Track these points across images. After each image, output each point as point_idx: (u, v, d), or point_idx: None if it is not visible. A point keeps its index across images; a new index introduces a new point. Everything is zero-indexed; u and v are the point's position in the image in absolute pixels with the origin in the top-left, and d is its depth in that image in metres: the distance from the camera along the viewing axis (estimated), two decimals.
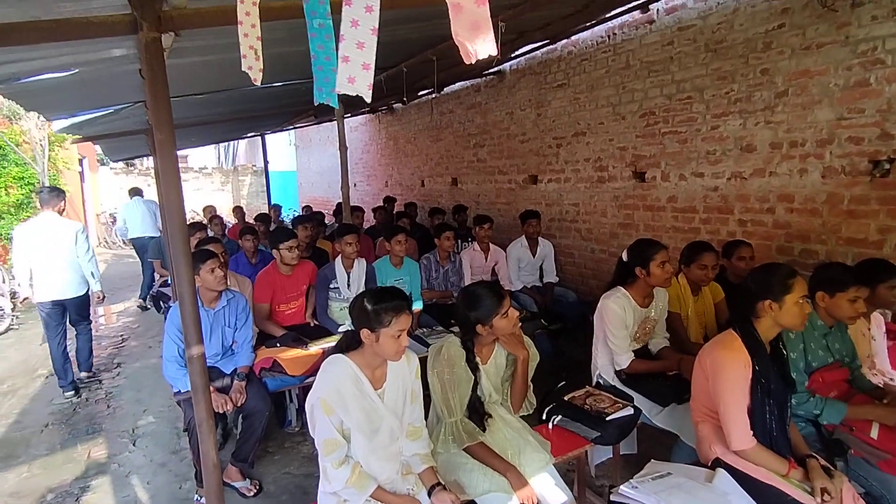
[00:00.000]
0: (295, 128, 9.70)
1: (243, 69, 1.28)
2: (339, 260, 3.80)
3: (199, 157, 21.99)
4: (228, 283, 3.43)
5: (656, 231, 4.19)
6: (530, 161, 5.54)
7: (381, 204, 7.43)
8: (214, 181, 17.52)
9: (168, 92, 1.38)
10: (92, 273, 4.14)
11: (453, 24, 0.92)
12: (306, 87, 4.68)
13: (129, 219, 7.02)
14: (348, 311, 1.86)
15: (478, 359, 2.08)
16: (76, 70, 2.40)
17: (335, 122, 6.52)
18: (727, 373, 1.78)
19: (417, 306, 4.01)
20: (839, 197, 3.08)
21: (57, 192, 4.05)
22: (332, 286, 3.78)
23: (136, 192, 7.42)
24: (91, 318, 4.48)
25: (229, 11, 1.47)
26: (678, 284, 2.84)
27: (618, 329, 2.51)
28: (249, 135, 9.70)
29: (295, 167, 14.99)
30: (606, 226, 4.71)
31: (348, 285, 3.76)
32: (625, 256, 2.56)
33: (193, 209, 12.42)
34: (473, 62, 1.02)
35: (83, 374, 4.53)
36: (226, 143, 21.30)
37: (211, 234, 5.85)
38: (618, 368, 2.60)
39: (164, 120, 1.39)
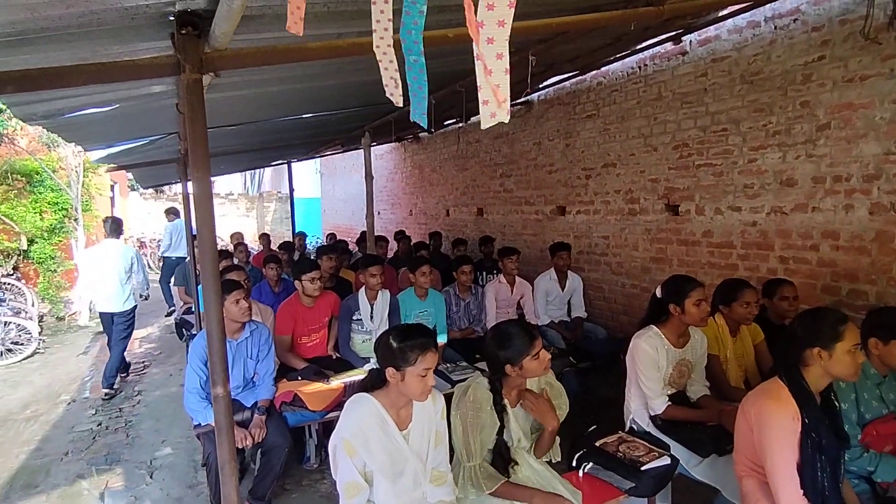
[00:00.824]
0: (321, 156, 9.93)
1: (386, 95, 1.38)
2: (362, 291, 3.84)
3: (225, 183, 22.65)
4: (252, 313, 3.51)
5: (691, 266, 4.11)
6: (558, 192, 5.55)
7: (399, 235, 7.49)
8: (240, 207, 17.97)
9: (206, 130, 1.44)
10: (147, 286, 5.51)
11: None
12: (335, 118, 4.80)
13: (175, 238, 7.49)
14: (374, 349, 1.87)
15: (506, 401, 2.04)
16: (117, 105, 2.53)
17: (361, 151, 6.67)
18: (774, 425, 1.70)
19: (442, 339, 4.03)
20: (889, 235, 2.98)
21: (120, 223, 5.26)
22: (355, 318, 3.81)
23: (174, 212, 7.74)
24: (130, 336, 5.26)
25: (267, 52, 1.54)
26: (715, 325, 2.77)
27: (650, 371, 2.46)
28: (276, 163, 9.96)
29: (319, 194, 15.29)
30: (638, 260, 4.65)
31: (371, 317, 3.79)
32: (658, 292, 2.53)
33: (219, 235, 12.73)
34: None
35: (104, 391, 4.99)
36: (252, 170, 21.96)
37: (236, 261, 5.98)
38: (652, 413, 2.53)
39: (201, 156, 1.45)
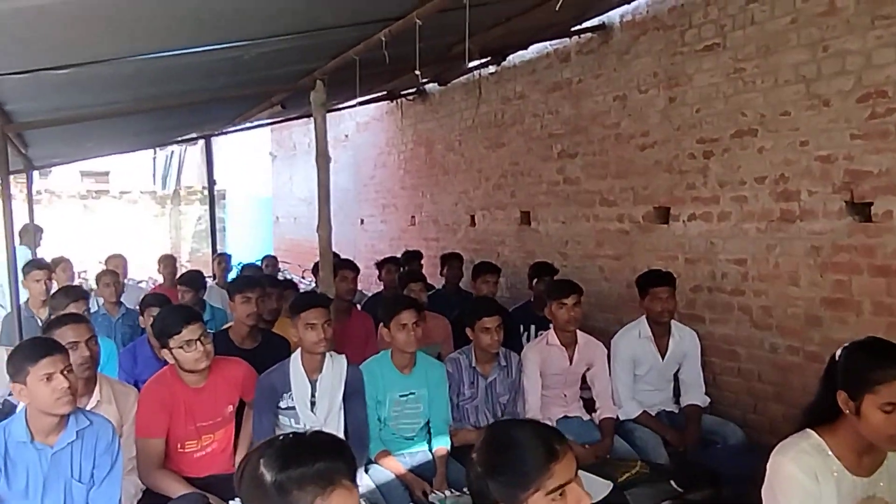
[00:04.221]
0: (250, 127, 10.21)
1: None
2: (296, 358, 3.85)
3: (122, 174, 23.33)
4: (94, 398, 3.48)
5: None
6: (657, 182, 5.49)
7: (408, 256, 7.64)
8: (143, 212, 18.49)
9: None
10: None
11: None
12: (262, 56, 4.74)
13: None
14: (234, 483, 1.74)
15: None
16: None
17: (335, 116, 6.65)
18: None
19: (441, 444, 4.07)
20: None
21: None
22: (282, 405, 3.83)
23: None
24: None
25: None
26: None
27: None
28: (185, 137, 10.08)
29: (272, 191, 15.49)
30: (799, 303, 4.54)
31: (313, 404, 3.80)
32: (838, 354, 2.40)
33: (100, 259, 12.91)
34: None
35: None
36: (168, 152, 22.43)
37: (99, 303, 5.92)
38: None
39: None
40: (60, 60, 3.69)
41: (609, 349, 4.56)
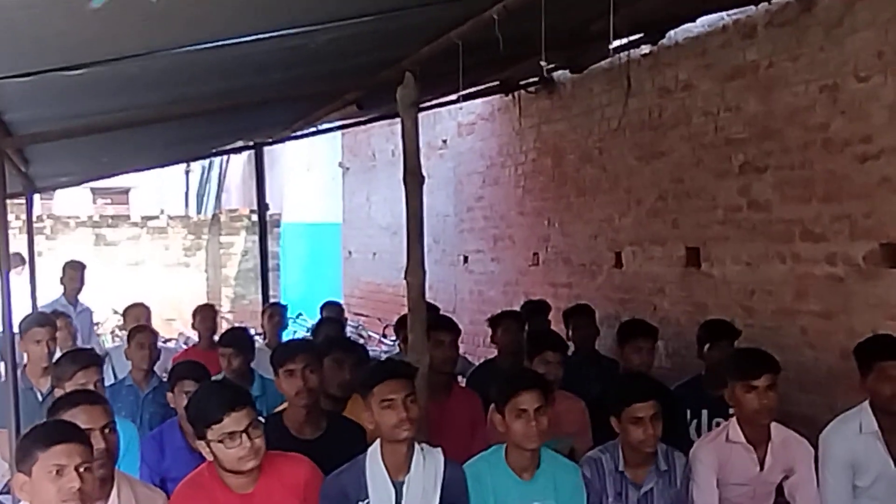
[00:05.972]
0: (314, 133, 10.39)
1: None
2: (375, 451, 3.88)
3: (152, 194, 24.20)
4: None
5: None
6: (885, 208, 5.45)
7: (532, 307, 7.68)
8: (172, 245, 18.91)
9: None
10: None
11: None
12: (336, 42, 4.82)
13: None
14: None
15: None
16: None
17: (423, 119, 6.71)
18: None
19: None
20: None
21: None
22: None
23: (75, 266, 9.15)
24: None
25: None
26: None
27: None
28: (234, 146, 10.36)
29: (340, 216, 15.69)
30: None
31: None
32: None
33: (115, 308, 13.25)
34: None
35: None
36: (204, 165, 23.13)
37: (117, 370, 6.06)
38: None
39: None
40: (75, 59, 3.76)
41: (817, 449, 4.44)
